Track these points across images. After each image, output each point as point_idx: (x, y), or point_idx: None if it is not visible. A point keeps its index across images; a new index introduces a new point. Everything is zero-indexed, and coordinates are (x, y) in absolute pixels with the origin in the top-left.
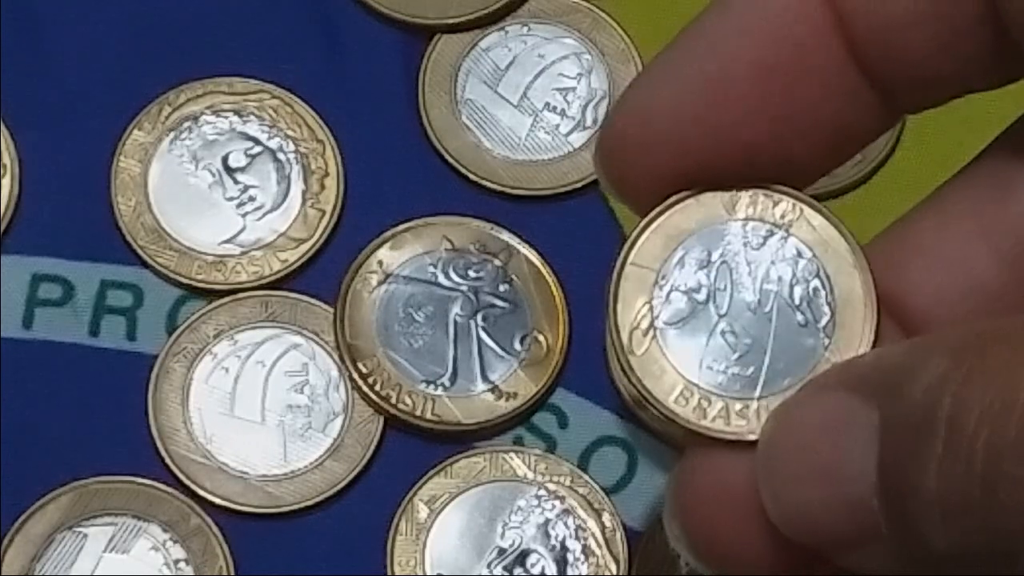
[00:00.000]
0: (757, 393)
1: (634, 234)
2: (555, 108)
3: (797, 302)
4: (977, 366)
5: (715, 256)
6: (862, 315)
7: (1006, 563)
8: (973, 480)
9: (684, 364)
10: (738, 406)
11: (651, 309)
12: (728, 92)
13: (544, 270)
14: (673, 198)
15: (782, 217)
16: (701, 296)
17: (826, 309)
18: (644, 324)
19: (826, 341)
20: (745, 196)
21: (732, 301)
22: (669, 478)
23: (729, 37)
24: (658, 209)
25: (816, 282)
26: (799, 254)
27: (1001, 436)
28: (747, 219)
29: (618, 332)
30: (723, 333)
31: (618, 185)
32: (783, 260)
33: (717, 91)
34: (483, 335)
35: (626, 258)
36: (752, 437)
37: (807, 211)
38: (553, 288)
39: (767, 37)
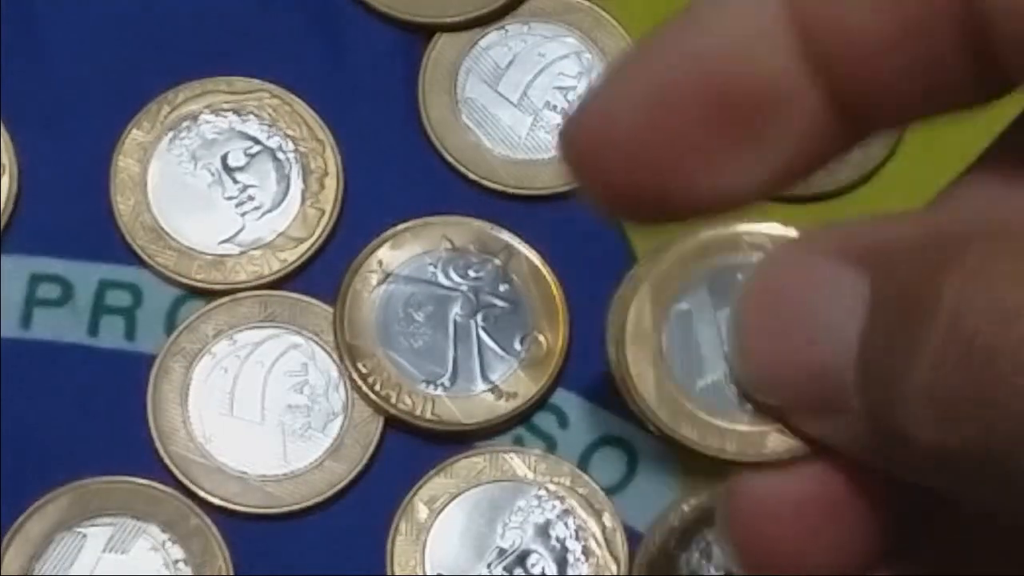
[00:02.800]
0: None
1: (636, 271)
2: (555, 107)
3: None
4: (987, 266)
5: (721, 283)
6: None
7: (994, 464)
8: (969, 377)
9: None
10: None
11: (662, 357)
12: (678, 111)
13: (544, 270)
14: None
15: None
16: (709, 323)
17: None
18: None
19: None
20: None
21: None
22: (719, 495)
23: (688, 52)
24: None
25: None
26: None
27: (1002, 341)
28: (752, 247)
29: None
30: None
31: (576, 170)
32: None
33: (667, 109)
34: (483, 335)
35: (625, 317)
36: (789, 455)
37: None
38: (553, 288)
39: (725, 55)
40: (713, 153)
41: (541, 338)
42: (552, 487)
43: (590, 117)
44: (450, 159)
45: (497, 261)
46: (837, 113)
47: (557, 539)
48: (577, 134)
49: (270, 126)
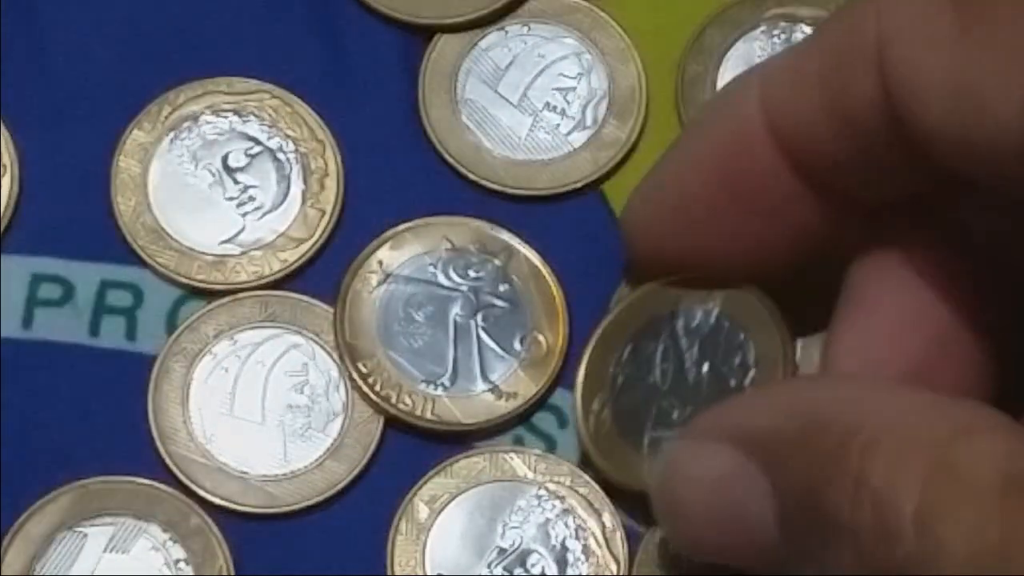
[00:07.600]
0: None
1: (597, 331)
2: (555, 108)
3: (731, 370)
4: (866, 472)
5: (661, 342)
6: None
7: None
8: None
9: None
10: None
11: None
12: (693, 206)
13: (544, 270)
14: (622, 295)
15: (711, 304)
16: (650, 374)
17: (751, 370)
18: (601, 408)
19: None
20: (684, 293)
21: (674, 376)
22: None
23: (692, 159)
24: (611, 308)
25: (744, 352)
26: (732, 330)
27: (897, 551)
28: (689, 307)
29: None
30: (665, 404)
31: (632, 249)
32: (717, 335)
33: (685, 204)
34: (483, 335)
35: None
36: None
37: (735, 293)
38: (553, 288)
39: (724, 162)
40: (726, 231)
41: (541, 338)
42: (552, 487)
43: (635, 208)
44: (450, 159)
45: (497, 261)
46: (817, 197)
47: (557, 539)
48: (628, 217)
49: (270, 127)
